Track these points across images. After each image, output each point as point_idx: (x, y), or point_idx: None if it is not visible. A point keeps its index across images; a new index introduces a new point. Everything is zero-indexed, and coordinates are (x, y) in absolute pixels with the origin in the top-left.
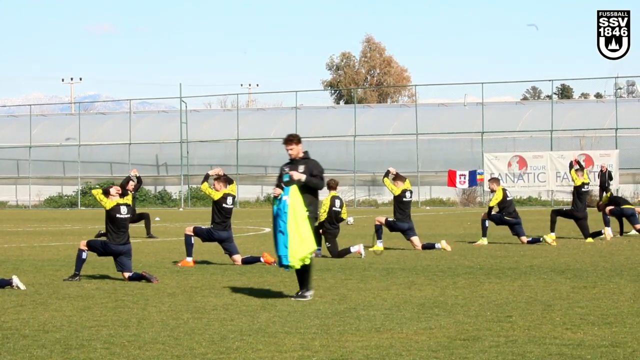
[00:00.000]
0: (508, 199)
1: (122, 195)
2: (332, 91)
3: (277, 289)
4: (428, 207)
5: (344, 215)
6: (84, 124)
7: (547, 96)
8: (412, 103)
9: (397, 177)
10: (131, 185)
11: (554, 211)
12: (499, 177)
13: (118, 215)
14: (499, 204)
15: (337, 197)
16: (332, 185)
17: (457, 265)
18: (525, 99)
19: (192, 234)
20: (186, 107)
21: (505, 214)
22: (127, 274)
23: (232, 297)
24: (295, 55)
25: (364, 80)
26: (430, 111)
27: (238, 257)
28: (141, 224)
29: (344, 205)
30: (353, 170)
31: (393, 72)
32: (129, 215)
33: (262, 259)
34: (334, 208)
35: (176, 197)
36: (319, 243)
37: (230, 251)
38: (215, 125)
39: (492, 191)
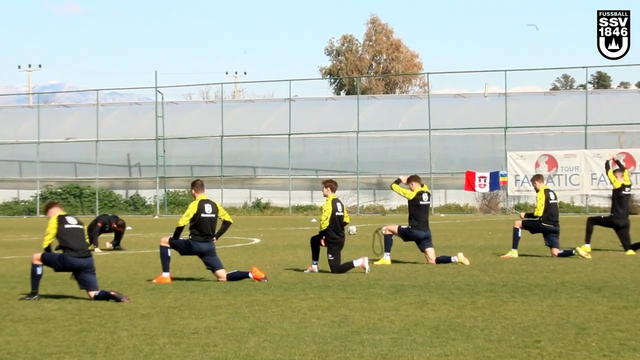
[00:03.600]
0: (551, 202)
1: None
2: (332, 80)
3: (268, 310)
4: (443, 215)
5: (347, 219)
6: (43, 118)
7: (581, 86)
8: (424, 94)
9: (412, 178)
10: (108, 245)
11: (590, 219)
12: (542, 179)
13: (67, 226)
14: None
15: (338, 201)
16: (332, 188)
17: (477, 282)
18: (555, 89)
19: (169, 245)
20: (162, 98)
21: (543, 220)
22: (92, 293)
23: (216, 319)
24: (289, 38)
25: (369, 68)
26: (445, 103)
27: (223, 273)
28: (112, 233)
29: (345, 208)
30: (356, 172)
31: (402, 58)
32: (81, 227)
33: (250, 275)
34: (337, 213)
35: (151, 202)
36: (316, 256)
37: (213, 266)
38: (196, 119)
39: (537, 190)
